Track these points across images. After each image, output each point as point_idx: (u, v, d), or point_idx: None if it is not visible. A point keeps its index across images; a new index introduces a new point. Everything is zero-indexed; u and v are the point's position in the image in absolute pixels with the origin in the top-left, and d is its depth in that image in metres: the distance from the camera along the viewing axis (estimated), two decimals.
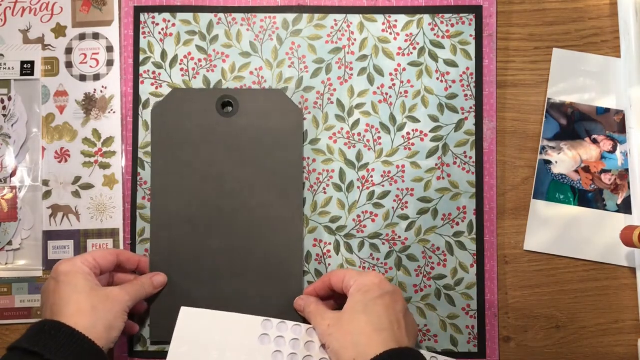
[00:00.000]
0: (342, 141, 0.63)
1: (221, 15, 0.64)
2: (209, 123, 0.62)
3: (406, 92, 0.64)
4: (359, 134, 0.63)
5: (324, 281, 0.58)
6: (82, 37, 0.65)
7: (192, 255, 0.61)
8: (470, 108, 0.63)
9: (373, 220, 0.63)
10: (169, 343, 0.57)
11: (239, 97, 0.62)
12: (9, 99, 0.64)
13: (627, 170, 0.63)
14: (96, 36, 0.65)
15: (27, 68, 0.64)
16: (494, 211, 0.63)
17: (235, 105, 0.62)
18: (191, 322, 0.57)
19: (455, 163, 0.63)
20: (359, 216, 0.63)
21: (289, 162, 0.62)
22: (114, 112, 0.64)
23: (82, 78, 0.64)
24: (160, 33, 0.64)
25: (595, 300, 0.63)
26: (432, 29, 0.64)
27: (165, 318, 0.60)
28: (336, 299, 0.59)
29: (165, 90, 0.64)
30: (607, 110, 0.64)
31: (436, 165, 0.63)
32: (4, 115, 0.64)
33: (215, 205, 0.61)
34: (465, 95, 0.63)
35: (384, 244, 0.63)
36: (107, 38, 0.65)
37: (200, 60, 0.64)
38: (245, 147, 0.62)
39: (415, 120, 0.63)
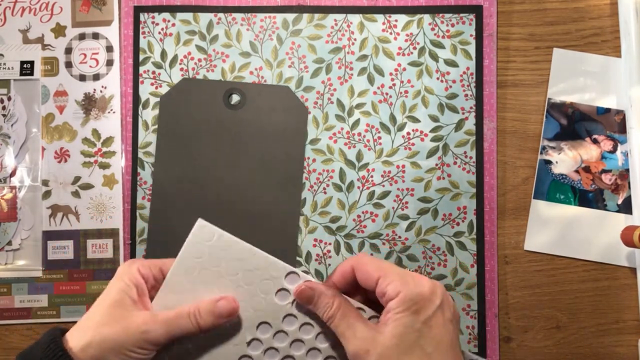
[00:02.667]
0: (342, 141, 0.63)
1: (221, 15, 0.64)
2: (215, 115, 0.62)
3: (406, 92, 0.64)
4: (359, 134, 0.63)
5: (344, 273, 0.44)
6: (82, 37, 0.65)
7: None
8: (471, 108, 0.63)
9: (373, 220, 0.63)
10: None
11: (247, 90, 0.63)
12: (9, 98, 0.64)
13: (627, 170, 0.63)
14: (96, 36, 0.65)
15: (26, 68, 0.64)
16: (494, 211, 0.63)
17: (242, 98, 0.62)
18: (205, 237, 0.47)
19: (455, 163, 0.63)
20: (359, 216, 0.63)
21: (291, 158, 0.62)
22: (114, 112, 0.64)
23: (82, 78, 0.64)
24: (160, 33, 0.64)
25: (595, 300, 0.63)
26: (432, 29, 0.64)
27: None
28: (361, 291, 0.46)
29: (165, 90, 0.64)
30: (608, 110, 0.64)
31: (436, 165, 0.63)
32: (4, 115, 0.64)
33: (215, 195, 0.62)
34: (466, 95, 0.63)
35: (384, 244, 0.63)
36: (106, 38, 0.64)
37: (200, 60, 0.64)
38: (249, 140, 0.62)
39: (415, 120, 0.63)
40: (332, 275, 0.45)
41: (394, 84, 0.64)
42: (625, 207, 0.63)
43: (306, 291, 0.43)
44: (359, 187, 0.63)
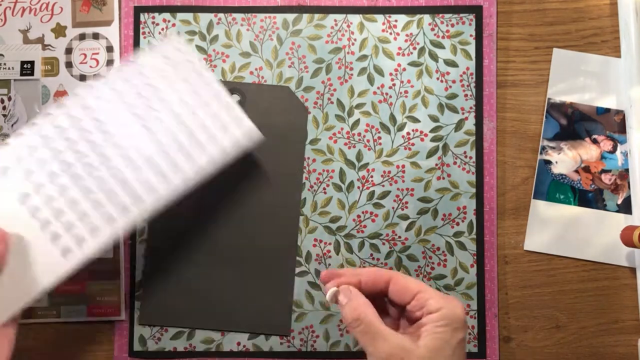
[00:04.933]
0: (342, 141, 0.63)
1: (221, 15, 0.64)
2: None
3: (406, 92, 0.64)
4: (359, 134, 0.63)
5: (376, 279, 0.45)
6: (82, 37, 0.65)
7: (188, 243, 0.62)
8: (470, 108, 0.63)
9: (373, 220, 0.63)
10: (157, 326, 0.61)
11: (247, 90, 0.63)
12: (9, 99, 0.64)
13: (627, 170, 0.63)
14: (96, 36, 0.65)
15: (27, 68, 0.64)
16: (494, 211, 0.63)
17: (242, 98, 0.63)
18: None
19: (455, 163, 0.63)
20: (359, 216, 0.63)
21: (291, 158, 0.63)
22: None
23: (82, 78, 0.64)
24: (160, 33, 0.64)
25: (595, 300, 0.63)
26: (432, 29, 0.64)
27: (155, 302, 0.61)
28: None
29: None
30: (607, 110, 0.64)
31: (436, 165, 0.63)
32: (4, 115, 0.64)
33: (214, 195, 0.62)
34: (465, 95, 0.63)
35: (384, 244, 0.63)
36: (107, 38, 0.65)
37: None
38: None
39: (415, 120, 0.63)
40: (361, 274, 0.46)
41: (393, 84, 0.64)
42: (625, 207, 0.63)
43: (344, 290, 0.44)
44: (359, 187, 0.63)
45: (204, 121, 0.49)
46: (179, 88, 0.49)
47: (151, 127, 0.47)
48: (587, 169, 0.64)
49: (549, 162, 0.64)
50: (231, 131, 0.50)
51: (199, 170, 0.49)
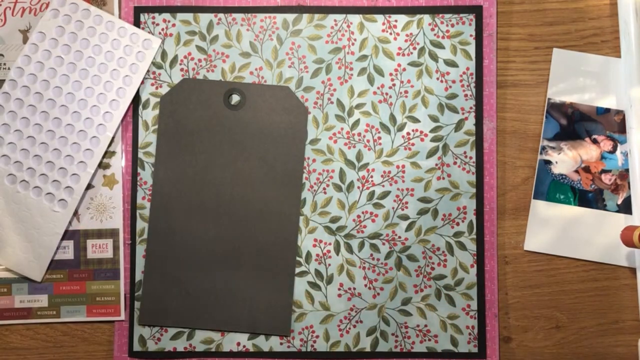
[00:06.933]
0: (342, 141, 0.63)
1: (221, 15, 0.64)
2: (215, 115, 0.63)
3: (406, 92, 0.64)
4: (359, 134, 0.63)
5: None
6: None
7: (188, 243, 0.62)
8: (470, 108, 0.63)
9: (373, 221, 0.63)
10: (157, 326, 0.61)
11: (247, 91, 0.63)
12: None
13: (627, 170, 0.63)
14: None
15: None
16: (494, 211, 0.63)
17: (242, 98, 0.63)
18: None
19: (455, 163, 0.63)
20: (359, 216, 0.63)
21: (291, 158, 0.63)
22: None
23: None
24: (160, 33, 0.64)
25: (595, 300, 0.63)
26: (432, 29, 0.64)
27: (156, 303, 0.61)
28: None
29: (165, 91, 0.64)
30: (607, 110, 0.64)
31: (436, 165, 0.63)
32: None
33: (214, 195, 0.62)
34: (465, 95, 0.63)
35: (384, 244, 0.63)
36: None
37: (200, 61, 0.64)
38: (249, 140, 0.62)
39: (415, 120, 0.63)
40: None
41: (393, 84, 0.64)
42: (625, 207, 0.63)
43: None
44: (359, 187, 0.63)
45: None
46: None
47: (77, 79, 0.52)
48: (587, 169, 0.64)
49: (549, 162, 0.64)
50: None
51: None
